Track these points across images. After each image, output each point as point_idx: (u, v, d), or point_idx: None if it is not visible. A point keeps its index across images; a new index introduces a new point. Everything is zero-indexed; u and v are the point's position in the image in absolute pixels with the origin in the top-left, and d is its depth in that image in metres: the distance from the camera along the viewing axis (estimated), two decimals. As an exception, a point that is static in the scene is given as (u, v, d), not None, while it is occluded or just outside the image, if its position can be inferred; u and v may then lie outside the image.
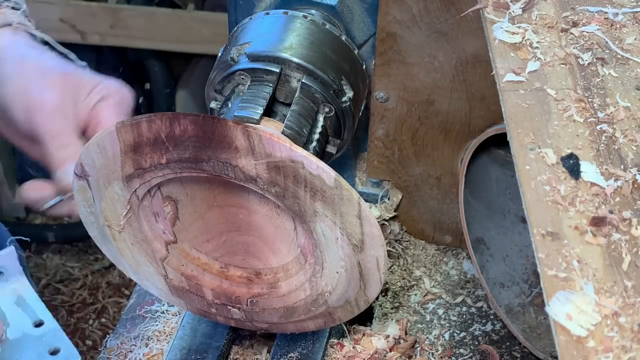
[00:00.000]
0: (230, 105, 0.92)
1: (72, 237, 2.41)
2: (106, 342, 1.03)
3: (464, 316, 1.10)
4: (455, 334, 1.07)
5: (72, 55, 0.98)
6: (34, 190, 0.90)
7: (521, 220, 1.11)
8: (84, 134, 0.89)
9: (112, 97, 0.91)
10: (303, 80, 0.93)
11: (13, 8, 0.96)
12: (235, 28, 1.03)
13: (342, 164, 1.14)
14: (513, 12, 0.79)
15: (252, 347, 1.03)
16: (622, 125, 0.68)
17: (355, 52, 1.01)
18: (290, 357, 0.99)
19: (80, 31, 2.17)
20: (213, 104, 0.98)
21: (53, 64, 0.91)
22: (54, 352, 0.88)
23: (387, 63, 1.03)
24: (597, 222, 0.61)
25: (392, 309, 1.10)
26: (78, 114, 0.89)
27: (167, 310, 1.05)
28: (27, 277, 0.96)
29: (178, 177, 0.83)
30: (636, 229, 0.61)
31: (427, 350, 1.04)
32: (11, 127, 0.91)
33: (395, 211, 1.16)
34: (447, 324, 1.09)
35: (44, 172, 0.90)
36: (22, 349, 0.88)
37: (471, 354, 1.05)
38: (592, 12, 0.79)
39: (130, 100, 0.94)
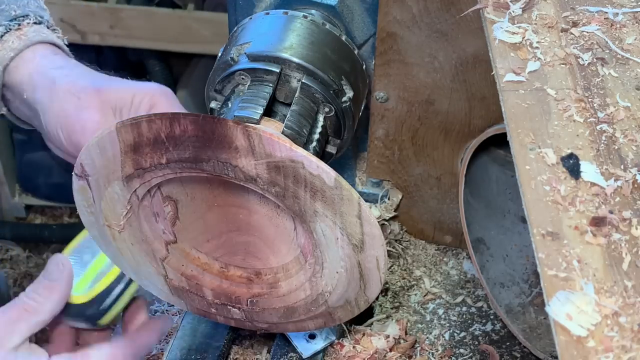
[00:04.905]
0: (230, 105, 0.92)
1: (72, 237, 2.40)
2: (106, 342, 1.03)
3: (464, 316, 1.10)
4: (455, 334, 1.07)
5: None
6: None
7: (521, 220, 1.11)
8: None
9: (161, 103, 0.90)
10: (303, 80, 0.93)
11: (35, 23, 0.94)
12: (235, 28, 1.03)
13: (342, 164, 1.14)
14: (513, 12, 0.79)
15: (252, 347, 1.03)
16: (622, 125, 0.68)
17: (356, 52, 1.01)
18: (290, 357, 0.99)
19: (80, 31, 2.17)
20: (213, 104, 0.97)
21: (84, 83, 0.89)
22: None
23: (387, 63, 1.03)
24: (597, 222, 0.61)
25: (392, 309, 1.10)
26: None
27: (167, 310, 1.05)
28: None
29: (178, 177, 0.83)
30: (636, 229, 0.61)
31: (427, 350, 1.04)
32: (61, 150, 0.90)
33: (395, 211, 1.16)
34: (447, 324, 1.09)
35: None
36: None
37: (471, 354, 1.05)
38: (592, 12, 0.79)
39: (174, 95, 0.92)
